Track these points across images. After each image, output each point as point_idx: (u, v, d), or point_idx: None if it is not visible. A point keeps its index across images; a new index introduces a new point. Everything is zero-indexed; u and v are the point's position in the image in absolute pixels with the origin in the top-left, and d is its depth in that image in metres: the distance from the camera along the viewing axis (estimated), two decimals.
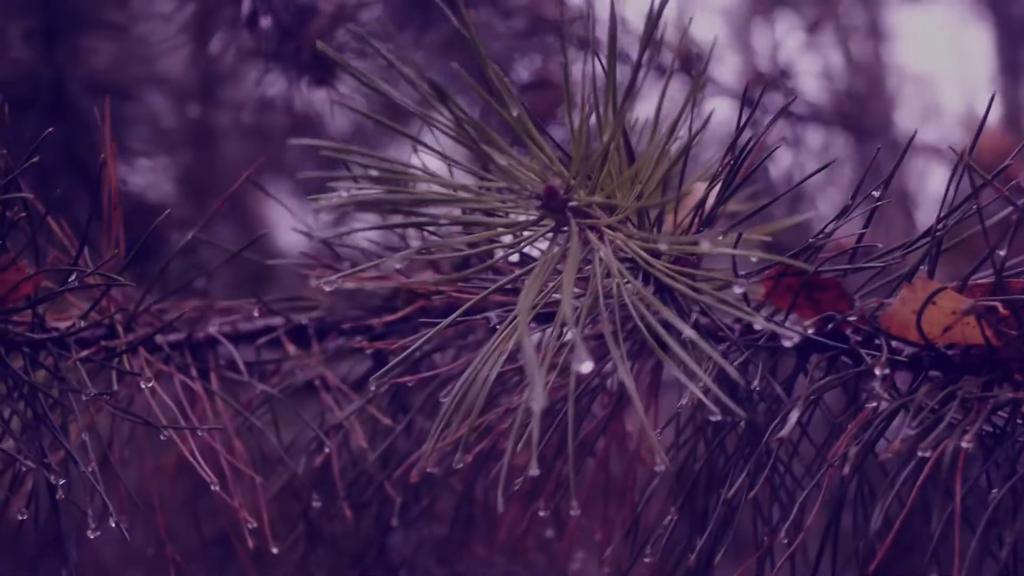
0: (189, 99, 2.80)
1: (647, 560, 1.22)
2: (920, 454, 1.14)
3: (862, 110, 3.01)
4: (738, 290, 1.22)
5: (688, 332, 0.98)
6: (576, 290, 1.16)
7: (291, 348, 1.45)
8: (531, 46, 2.22)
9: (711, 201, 1.25)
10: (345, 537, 1.53)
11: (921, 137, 2.91)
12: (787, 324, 1.27)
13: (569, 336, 0.99)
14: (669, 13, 1.10)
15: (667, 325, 1.01)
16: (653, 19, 1.06)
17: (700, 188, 1.33)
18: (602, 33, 1.15)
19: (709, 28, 2.89)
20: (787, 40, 2.68)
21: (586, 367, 0.94)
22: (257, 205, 3.01)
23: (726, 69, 2.61)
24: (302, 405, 1.48)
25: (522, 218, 1.11)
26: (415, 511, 1.46)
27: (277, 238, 2.45)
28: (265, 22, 1.83)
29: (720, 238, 1.25)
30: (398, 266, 1.14)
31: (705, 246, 1.14)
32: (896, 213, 3.01)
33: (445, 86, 1.01)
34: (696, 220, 1.26)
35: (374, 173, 1.04)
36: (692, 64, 2.17)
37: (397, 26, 1.97)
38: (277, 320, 1.46)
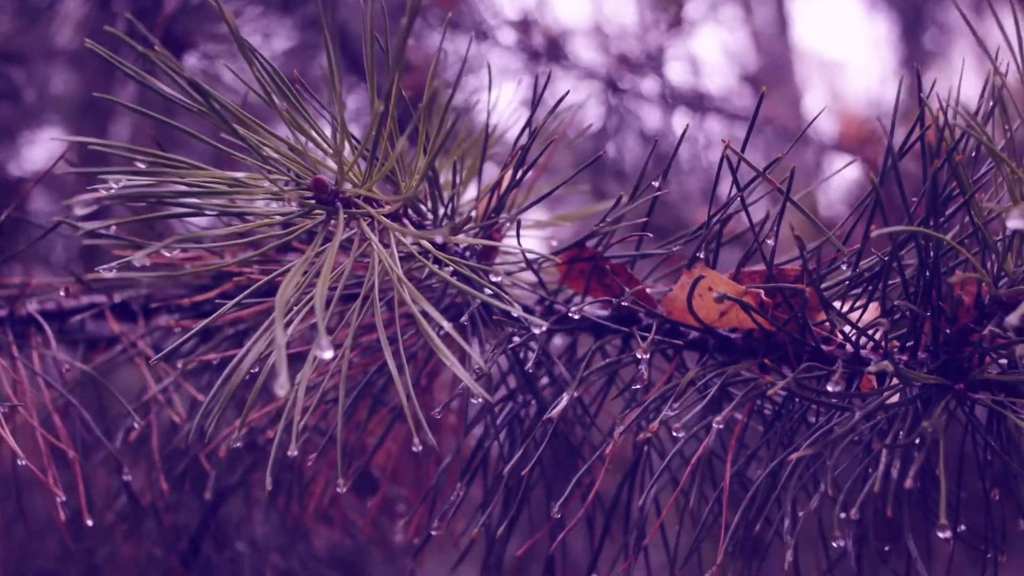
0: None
1: (434, 533, 1.27)
2: (716, 426, 1.19)
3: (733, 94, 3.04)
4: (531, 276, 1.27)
5: (445, 325, 1.02)
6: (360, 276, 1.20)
7: (116, 325, 1.48)
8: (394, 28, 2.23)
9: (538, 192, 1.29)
10: (175, 509, 1.57)
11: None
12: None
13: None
14: None
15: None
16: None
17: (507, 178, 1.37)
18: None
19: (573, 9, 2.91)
20: (656, 25, 2.71)
21: (327, 354, 0.98)
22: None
23: (591, 53, 2.64)
24: (135, 380, 1.51)
25: (295, 209, 1.13)
26: (231, 482, 1.50)
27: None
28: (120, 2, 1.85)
29: (508, 226, 1.29)
30: (172, 252, 1.16)
31: (462, 237, 1.19)
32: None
33: (203, 83, 1.04)
34: (488, 208, 1.30)
35: (141, 166, 1.07)
36: (558, 47, 2.20)
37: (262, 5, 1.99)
38: (101, 298, 1.49)
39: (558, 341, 1.42)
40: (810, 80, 4.22)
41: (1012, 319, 0.97)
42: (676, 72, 2.83)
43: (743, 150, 1.20)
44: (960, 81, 1.27)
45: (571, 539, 1.38)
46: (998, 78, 1.17)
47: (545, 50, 2.34)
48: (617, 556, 1.32)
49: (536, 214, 2.07)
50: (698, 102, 2.77)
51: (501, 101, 1.72)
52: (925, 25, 3.75)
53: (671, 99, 2.69)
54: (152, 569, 1.66)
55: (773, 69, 4.16)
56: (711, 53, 3.35)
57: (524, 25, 2.47)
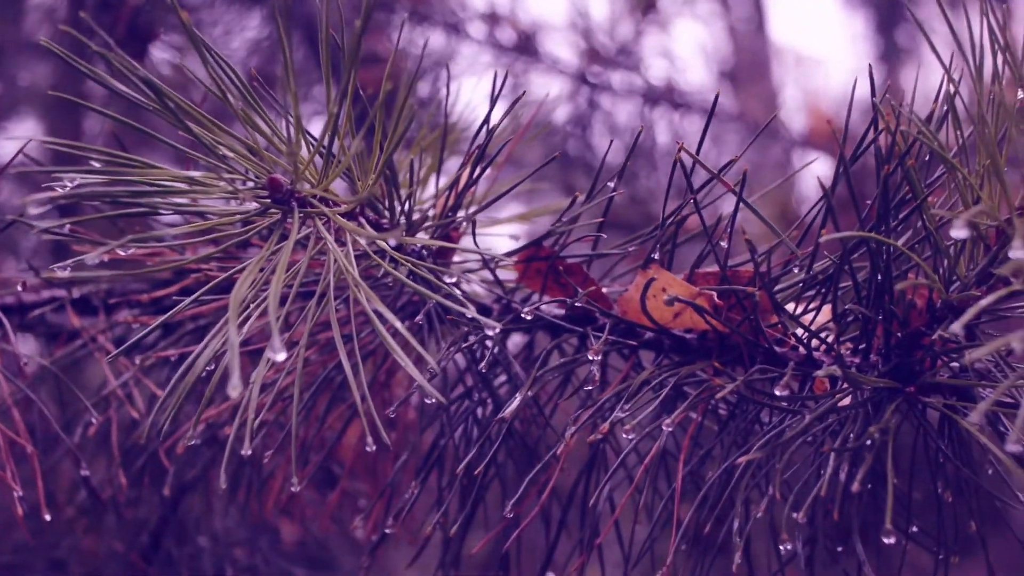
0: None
1: (387, 531, 1.27)
2: (665, 429, 1.20)
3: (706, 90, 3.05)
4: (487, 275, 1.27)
5: (397, 324, 1.03)
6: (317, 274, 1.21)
7: (76, 320, 1.48)
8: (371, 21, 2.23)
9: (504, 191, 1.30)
10: (136, 504, 1.57)
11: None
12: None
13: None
14: None
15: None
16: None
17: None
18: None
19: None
20: (627, 16, 2.71)
21: (279, 356, 0.98)
22: None
23: (562, 47, 2.64)
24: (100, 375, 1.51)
25: (252, 207, 1.14)
26: (191, 478, 1.51)
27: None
28: None
29: (464, 225, 1.30)
30: (126, 252, 1.17)
31: (418, 237, 1.19)
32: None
33: (159, 82, 1.04)
34: (447, 206, 1.31)
35: (97, 165, 1.07)
36: (529, 41, 2.20)
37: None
38: (62, 292, 1.49)
39: (517, 339, 1.43)
40: (787, 76, 4.23)
41: (956, 327, 0.98)
42: (652, 67, 2.83)
43: (698, 150, 1.21)
44: (916, 85, 1.28)
45: (533, 537, 1.39)
46: (951, 85, 1.18)
47: (516, 44, 2.34)
48: (572, 553, 1.33)
49: (514, 209, 2.08)
50: (670, 97, 2.78)
51: (470, 96, 1.72)
52: (899, 20, 3.75)
53: (645, 95, 2.70)
54: (113, 564, 1.66)
55: (750, 65, 4.18)
56: (688, 48, 3.35)
57: (494, 19, 2.48)
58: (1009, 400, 1.20)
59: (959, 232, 0.99)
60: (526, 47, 2.33)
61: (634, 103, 2.72)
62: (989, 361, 1.26)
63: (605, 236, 1.28)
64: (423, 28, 2.44)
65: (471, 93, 1.70)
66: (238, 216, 1.13)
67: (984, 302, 1.01)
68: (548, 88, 2.60)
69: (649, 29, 2.95)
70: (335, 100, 1.08)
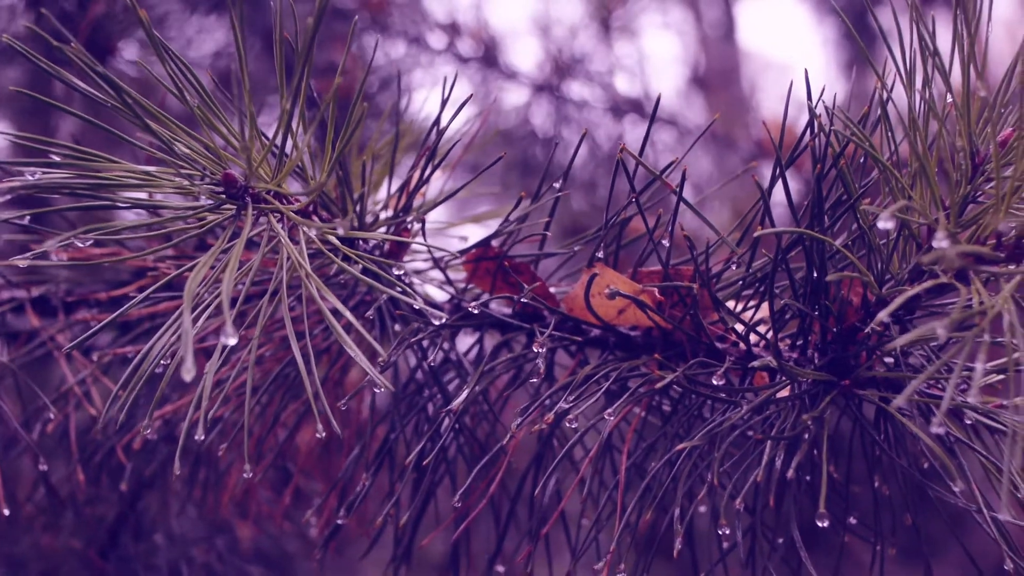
0: None
1: (340, 523, 1.30)
2: (607, 418, 1.24)
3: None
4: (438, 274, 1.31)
5: (346, 313, 1.06)
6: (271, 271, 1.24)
7: (35, 320, 1.51)
8: (331, 32, 2.27)
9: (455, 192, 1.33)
10: (94, 502, 1.59)
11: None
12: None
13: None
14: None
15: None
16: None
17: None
18: None
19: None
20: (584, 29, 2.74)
21: (231, 341, 1.01)
22: None
23: (526, 57, 2.67)
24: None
25: (204, 203, 1.17)
26: (148, 474, 1.53)
27: None
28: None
29: (415, 227, 1.33)
30: (85, 244, 1.19)
31: (377, 233, 1.22)
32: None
33: (117, 80, 1.07)
34: (398, 207, 1.34)
35: (56, 158, 1.10)
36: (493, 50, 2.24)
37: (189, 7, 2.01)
38: (21, 292, 1.52)
39: (470, 341, 1.46)
40: (756, 82, 4.28)
41: (882, 315, 1.02)
42: (619, 77, 2.86)
43: (641, 151, 1.25)
44: (875, 92, 1.31)
45: (487, 530, 1.42)
46: (883, 91, 1.22)
47: (477, 55, 2.38)
48: (520, 542, 1.36)
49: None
50: (636, 106, 2.81)
51: (430, 106, 1.75)
52: (866, 27, 3.80)
53: (611, 107, 2.73)
54: (71, 561, 1.68)
55: (719, 72, 4.23)
56: (657, 56, 3.39)
57: (455, 29, 2.51)
58: (939, 392, 1.24)
59: (885, 224, 1.03)
60: (487, 57, 2.36)
61: (599, 113, 2.75)
62: (922, 355, 1.31)
63: (549, 234, 1.31)
64: (384, 38, 2.47)
65: (431, 102, 1.73)
66: (193, 212, 1.15)
67: (911, 292, 1.05)
68: (510, 98, 2.64)
69: (615, 38, 2.99)
70: (287, 98, 1.11)
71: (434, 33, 2.53)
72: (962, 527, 1.40)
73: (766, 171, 1.24)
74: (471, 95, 1.25)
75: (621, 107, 2.82)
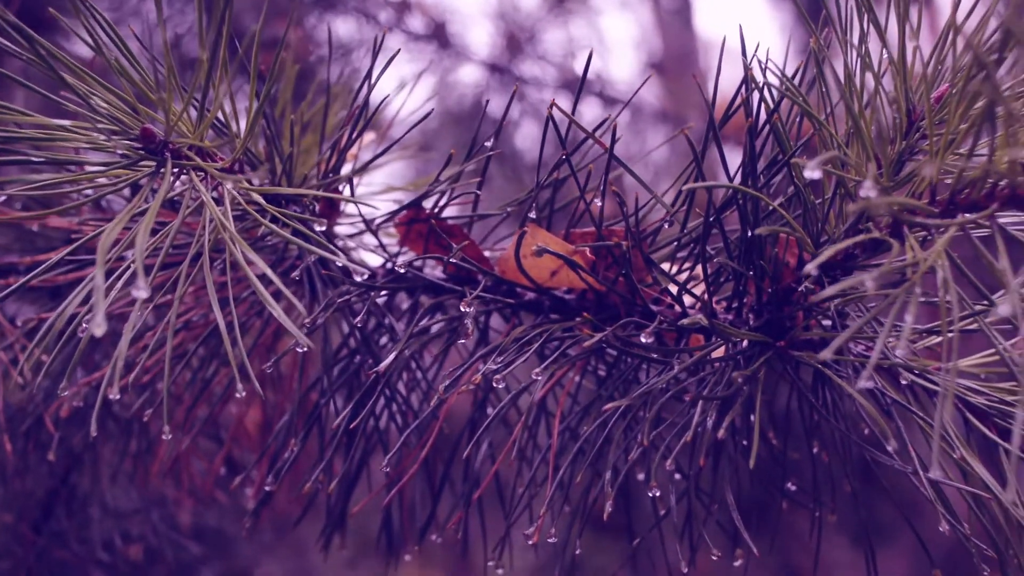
0: None
1: (267, 489, 1.28)
2: (534, 377, 1.22)
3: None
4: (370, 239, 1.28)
5: (269, 273, 1.03)
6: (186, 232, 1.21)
7: None
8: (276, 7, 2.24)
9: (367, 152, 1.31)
10: (23, 475, 1.56)
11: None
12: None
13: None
14: None
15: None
16: None
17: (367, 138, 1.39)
18: None
19: None
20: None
21: (143, 294, 0.98)
22: None
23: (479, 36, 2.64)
24: None
25: (120, 159, 1.14)
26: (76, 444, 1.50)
27: None
28: None
29: (342, 188, 1.31)
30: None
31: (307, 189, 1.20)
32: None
33: (29, 30, 1.04)
34: (328, 167, 1.31)
35: None
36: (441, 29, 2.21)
37: None
38: None
39: (404, 306, 1.43)
40: (713, 66, 4.28)
41: (810, 267, 1.00)
42: (575, 59, 2.84)
43: (573, 110, 1.23)
44: (789, 45, 1.30)
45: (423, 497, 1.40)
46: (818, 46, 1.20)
47: (428, 32, 2.35)
48: (453, 508, 1.34)
49: None
50: (595, 88, 2.79)
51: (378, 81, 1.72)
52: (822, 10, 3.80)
53: (565, 84, 2.71)
54: (3, 535, 1.65)
55: (677, 56, 4.22)
56: (616, 39, 3.38)
57: (404, 5, 2.48)
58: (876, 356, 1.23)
59: (811, 174, 1.01)
60: (438, 35, 2.33)
61: (553, 93, 2.73)
62: (859, 317, 1.29)
63: (480, 193, 1.29)
64: (332, 15, 2.44)
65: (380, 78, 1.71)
66: (108, 169, 1.12)
67: (841, 245, 1.03)
68: (462, 76, 2.61)
69: (572, 20, 2.97)
70: (207, 46, 1.08)
71: (385, 11, 2.50)
72: (915, 512, 1.39)
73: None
74: (399, 50, 1.22)
75: (575, 87, 2.80)
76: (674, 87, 3.98)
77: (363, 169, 1.30)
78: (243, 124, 1.18)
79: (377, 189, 1.51)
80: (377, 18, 2.45)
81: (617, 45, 3.55)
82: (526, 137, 3.02)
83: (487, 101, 1.85)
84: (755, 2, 4.34)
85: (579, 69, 2.91)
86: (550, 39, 2.82)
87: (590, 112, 3.24)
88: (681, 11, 4.25)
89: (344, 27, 2.47)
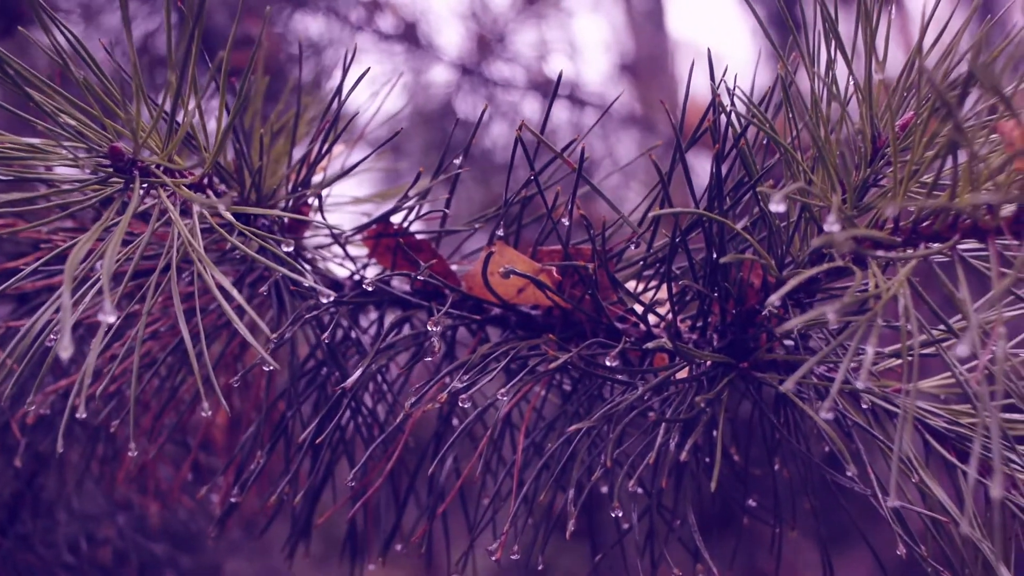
0: None
1: (233, 500, 1.28)
2: (500, 397, 1.23)
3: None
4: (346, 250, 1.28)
5: (233, 292, 1.03)
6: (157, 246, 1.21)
7: None
8: (247, 6, 2.23)
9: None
10: None
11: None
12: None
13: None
14: None
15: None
16: None
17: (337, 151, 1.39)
18: None
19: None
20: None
21: (110, 318, 0.99)
22: None
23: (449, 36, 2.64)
24: None
25: (89, 176, 1.14)
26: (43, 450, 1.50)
27: None
28: None
29: (312, 201, 1.31)
30: None
31: (276, 209, 1.20)
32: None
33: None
34: (298, 181, 1.31)
35: None
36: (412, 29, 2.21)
37: None
38: None
39: (372, 315, 1.44)
40: (685, 69, 4.29)
41: (773, 299, 1.01)
42: (548, 62, 2.84)
43: (542, 129, 1.23)
44: (756, 70, 1.32)
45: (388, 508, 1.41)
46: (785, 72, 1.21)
47: (398, 32, 2.35)
48: (418, 519, 1.35)
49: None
50: (567, 92, 2.79)
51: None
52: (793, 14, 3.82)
53: (537, 87, 2.71)
54: None
55: (649, 59, 4.22)
56: (588, 42, 3.38)
57: (375, 5, 2.48)
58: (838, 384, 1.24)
59: (776, 207, 1.02)
60: (408, 35, 2.33)
61: (522, 94, 2.73)
62: (821, 339, 1.31)
63: (450, 212, 1.29)
64: (303, 14, 2.43)
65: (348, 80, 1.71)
66: (80, 186, 1.13)
67: (804, 275, 1.04)
68: (433, 77, 2.61)
69: (544, 22, 2.97)
70: (177, 63, 1.08)
71: (355, 11, 2.49)
72: (870, 520, 1.41)
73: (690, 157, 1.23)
74: (368, 69, 1.23)
75: (545, 88, 2.81)
76: (645, 89, 3.99)
77: (332, 183, 1.30)
78: (212, 128, 1.18)
79: (345, 200, 1.52)
80: (348, 17, 2.45)
81: (588, 47, 3.55)
82: (497, 136, 3.02)
83: (456, 122, 1.85)
84: (726, 4, 4.34)
85: (550, 71, 2.92)
86: (521, 41, 2.82)
87: (560, 114, 3.24)
88: (653, 13, 4.26)
89: (315, 25, 2.47)
